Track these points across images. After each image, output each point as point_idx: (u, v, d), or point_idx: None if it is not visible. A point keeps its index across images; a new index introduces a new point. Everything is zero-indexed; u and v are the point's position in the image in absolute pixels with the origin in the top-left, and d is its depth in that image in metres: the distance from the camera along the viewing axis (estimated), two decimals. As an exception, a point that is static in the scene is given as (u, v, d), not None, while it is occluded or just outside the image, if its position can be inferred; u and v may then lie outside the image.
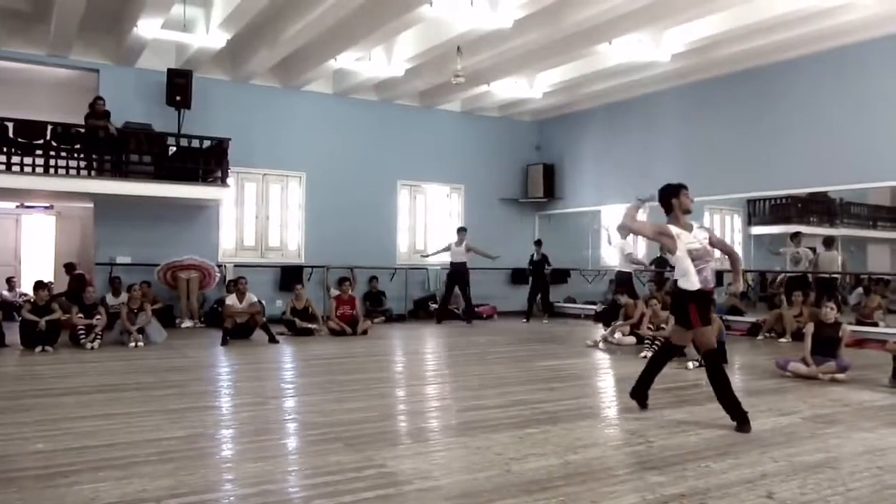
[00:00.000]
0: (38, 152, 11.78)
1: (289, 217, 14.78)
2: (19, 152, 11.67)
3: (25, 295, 12.70)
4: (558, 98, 15.33)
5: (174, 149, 12.86)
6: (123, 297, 10.86)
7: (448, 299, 14.49)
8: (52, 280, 12.98)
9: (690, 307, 5.33)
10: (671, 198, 5.56)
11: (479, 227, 16.33)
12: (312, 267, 14.48)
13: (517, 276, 16.41)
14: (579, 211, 16.43)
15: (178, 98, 12.79)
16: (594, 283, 16.12)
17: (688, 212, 5.58)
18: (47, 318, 9.47)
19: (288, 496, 3.71)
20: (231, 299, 10.93)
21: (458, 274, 14.14)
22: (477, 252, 14.14)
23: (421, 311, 15.20)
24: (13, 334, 9.71)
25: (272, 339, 10.36)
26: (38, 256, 16.56)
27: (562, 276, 16.63)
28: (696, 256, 5.37)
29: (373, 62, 13.01)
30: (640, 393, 5.80)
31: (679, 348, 5.79)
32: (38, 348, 9.23)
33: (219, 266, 13.34)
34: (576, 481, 3.88)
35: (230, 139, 12.85)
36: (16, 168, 11.57)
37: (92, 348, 9.47)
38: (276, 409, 5.97)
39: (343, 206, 14.82)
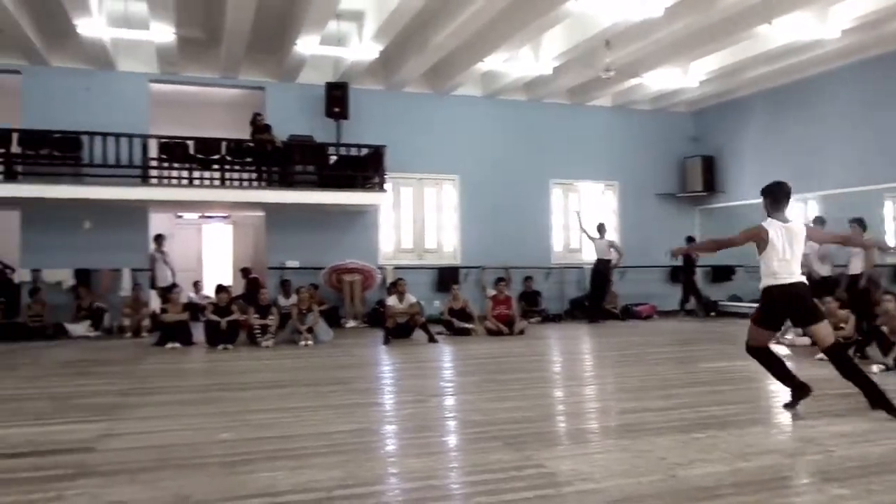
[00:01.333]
0: (215, 167, 12.82)
1: (444, 219, 15.08)
2: (199, 168, 12.75)
3: (209, 297, 13.75)
4: (716, 86, 14.63)
5: (335, 158, 13.50)
6: (293, 298, 11.50)
7: (600, 298, 14.23)
8: (230, 283, 13.98)
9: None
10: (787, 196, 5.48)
11: (635, 223, 15.92)
12: (468, 268, 14.69)
13: (677, 274, 15.83)
14: (742, 204, 15.55)
15: (336, 109, 13.44)
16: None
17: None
18: (228, 318, 10.26)
19: (450, 492, 3.78)
20: (391, 300, 11.29)
21: (598, 272, 13.97)
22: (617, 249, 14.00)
23: (577, 311, 14.99)
24: (199, 333, 10.57)
25: (431, 339, 10.59)
26: (217, 262, 17.96)
27: (726, 273, 15.83)
28: None
29: (520, 62, 13.01)
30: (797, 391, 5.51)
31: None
32: (221, 346, 10.01)
33: (379, 268, 13.84)
34: (748, 490, 3.66)
35: (386, 146, 13.30)
36: (196, 182, 12.65)
37: (267, 346, 10.13)
38: (436, 407, 6.09)
39: (497, 207, 14.91)
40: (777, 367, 5.61)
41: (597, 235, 14.09)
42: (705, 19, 10.72)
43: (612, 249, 14.03)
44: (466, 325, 11.68)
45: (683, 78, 14.04)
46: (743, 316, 14.70)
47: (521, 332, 11.76)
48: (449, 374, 8.17)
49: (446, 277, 14.14)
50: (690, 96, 15.47)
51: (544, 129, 15.58)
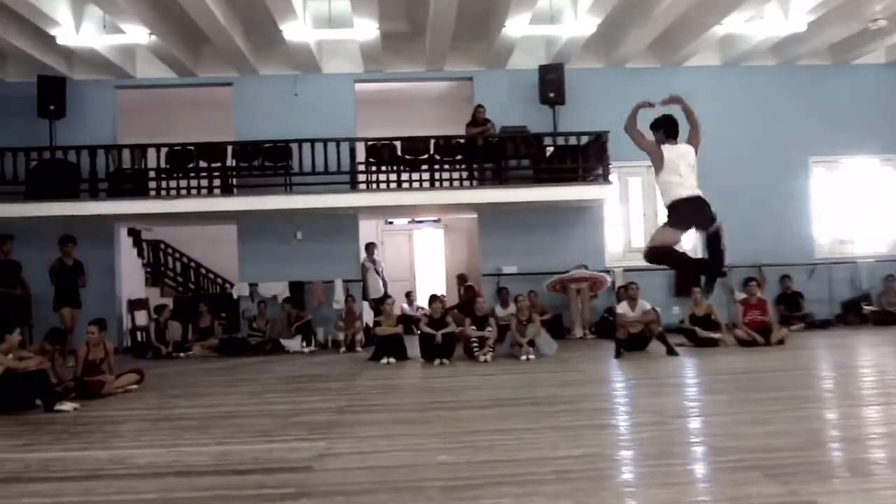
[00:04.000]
0: (424, 167, 13.39)
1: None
2: (407, 169, 13.39)
3: (422, 308, 14.39)
4: None
5: (551, 149, 13.54)
6: (512, 308, 11.69)
7: None
8: (444, 293, 14.53)
9: None
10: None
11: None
12: (711, 267, 14.06)
13: None
14: None
15: (551, 94, 13.52)
16: None
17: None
18: (443, 331, 10.65)
19: (700, 530, 3.65)
20: (622, 307, 11.11)
21: None
22: None
23: (851, 315, 13.84)
24: (414, 347, 11.09)
25: (671, 351, 10.28)
26: (430, 269, 18.74)
27: None
28: None
29: (766, 20, 12.37)
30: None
31: None
32: (436, 361, 10.41)
33: (606, 271, 13.68)
34: None
35: (609, 132, 13.12)
36: (405, 185, 13.30)
37: (485, 361, 10.38)
38: (679, 430, 5.91)
39: (742, 194, 14.13)
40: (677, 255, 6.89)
41: None
42: None
43: None
44: (712, 335, 11.25)
45: None
46: None
47: (781, 342, 11.13)
48: (693, 392, 7.90)
49: (686, 280, 13.64)
50: None
51: (800, 97, 14.62)
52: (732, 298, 13.00)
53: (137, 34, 11.83)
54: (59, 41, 11.98)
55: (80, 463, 5.27)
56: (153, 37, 11.95)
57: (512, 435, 5.73)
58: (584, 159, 13.39)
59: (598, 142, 13.17)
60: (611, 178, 13.32)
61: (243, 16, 12.46)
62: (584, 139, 13.38)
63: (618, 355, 10.32)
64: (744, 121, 14.45)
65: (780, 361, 9.62)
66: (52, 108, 13.12)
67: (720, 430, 5.78)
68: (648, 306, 11.07)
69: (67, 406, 7.46)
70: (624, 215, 14.59)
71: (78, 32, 11.94)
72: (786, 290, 13.84)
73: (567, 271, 13.35)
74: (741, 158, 14.28)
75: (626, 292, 11.29)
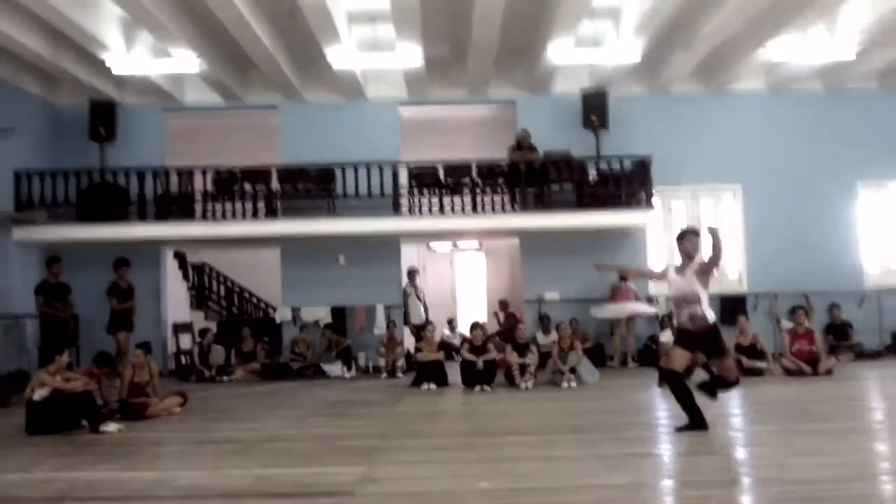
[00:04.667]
0: (466, 192, 13.44)
1: (725, 238, 14.45)
2: (450, 193, 13.46)
3: (463, 335, 14.37)
4: None
5: (594, 174, 13.51)
6: (553, 335, 11.64)
7: None
8: (486, 320, 14.51)
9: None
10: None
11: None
12: (757, 295, 13.90)
13: None
14: None
15: (594, 119, 13.51)
16: None
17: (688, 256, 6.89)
18: (484, 357, 10.64)
19: (745, 564, 3.59)
20: (666, 335, 11.01)
21: None
22: None
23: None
24: (455, 373, 11.08)
25: (714, 380, 10.15)
26: (471, 295, 18.76)
27: None
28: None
29: (812, 45, 12.23)
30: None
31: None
32: (477, 388, 10.39)
33: (650, 299, 13.56)
34: None
35: (652, 156, 13.08)
36: (447, 209, 13.38)
37: (526, 388, 10.34)
38: (724, 461, 5.84)
39: (789, 220, 14.01)
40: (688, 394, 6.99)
41: None
42: None
43: None
44: (758, 364, 11.10)
45: None
46: None
47: (829, 372, 10.94)
48: (738, 422, 7.79)
49: (730, 308, 13.41)
50: None
51: (848, 123, 14.43)
52: (779, 328, 12.79)
53: (186, 59, 12.12)
54: (110, 66, 12.31)
55: (124, 484, 5.37)
56: (201, 62, 12.24)
57: (553, 463, 5.70)
58: (628, 184, 13.32)
59: (642, 166, 13.13)
60: (653, 202, 13.23)
61: (289, 42, 12.70)
62: (628, 164, 13.33)
63: (660, 384, 10.18)
64: (791, 146, 14.29)
65: (827, 392, 9.47)
66: (102, 131, 13.48)
67: (766, 460, 5.71)
68: (692, 334, 10.92)
69: (112, 427, 7.60)
70: (667, 240, 14.46)
71: (129, 58, 12.26)
72: (834, 320, 13.58)
73: (613, 293, 13.21)
74: (788, 183, 14.13)
75: (670, 320, 11.19)
